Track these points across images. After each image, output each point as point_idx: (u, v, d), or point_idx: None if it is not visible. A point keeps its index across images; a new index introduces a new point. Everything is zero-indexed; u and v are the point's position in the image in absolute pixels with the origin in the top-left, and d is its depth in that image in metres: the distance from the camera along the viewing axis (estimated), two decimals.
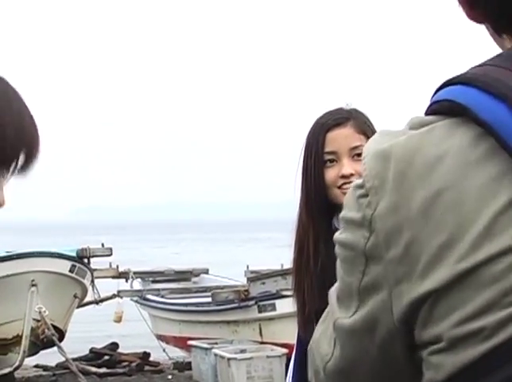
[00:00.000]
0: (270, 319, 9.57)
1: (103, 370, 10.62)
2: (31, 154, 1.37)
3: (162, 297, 11.90)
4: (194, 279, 13.24)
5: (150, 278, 13.03)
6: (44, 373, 10.58)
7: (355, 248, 0.97)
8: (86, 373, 8.88)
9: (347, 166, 2.53)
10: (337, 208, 2.61)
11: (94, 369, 10.43)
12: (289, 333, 9.11)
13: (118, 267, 11.81)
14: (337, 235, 1.01)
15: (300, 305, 2.68)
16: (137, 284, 12.31)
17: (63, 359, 10.00)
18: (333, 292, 1.05)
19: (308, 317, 2.66)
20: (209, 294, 10.94)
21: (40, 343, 9.22)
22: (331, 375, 1.04)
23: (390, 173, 0.94)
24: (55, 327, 8.89)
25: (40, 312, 8.74)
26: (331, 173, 2.55)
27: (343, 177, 2.53)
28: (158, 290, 12.14)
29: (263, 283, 9.64)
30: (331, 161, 2.56)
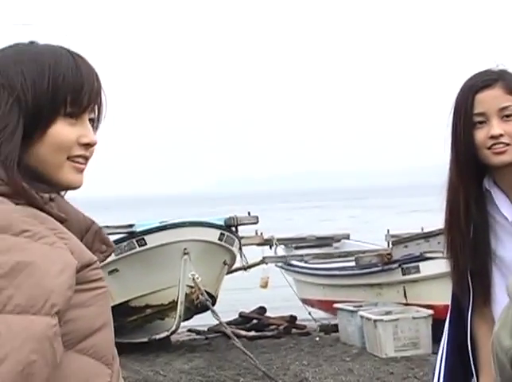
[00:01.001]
0: (414, 281, 9.51)
1: (253, 333, 10.80)
2: (79, 96, 1.47)
3: (306, 262, 11.94)
4: (335, 245, 13.22)
5: (293, 245, 13.11)
6: (197, 337, 10.85)
7: None
8: (237, 336, 9.05)
9: (496, 127, 2.53)
10: (487, 169, 2.63)
11: (244, 332, 10.62)
12: (434, 294, 9.09)
13: (262, 234, 11.92)
14: None
15: (453, 263, 2.70)
16: (280, 250, 12.41)
17: (213, 323, 10.27)
18: None
19: (462, 274, 2.69)
20: (351, 258, 10.93)
21: (194, 308, 9.47)
22: None
23: None
24: (207, 292, 9.10)
25: (193, 278, 8.95)
26: (480, 134, 2.55)
27: (493, 137, 2.53)
28: (301, 255, 12.16)
29: (406, 246, 9.58)
30: (481, 122, 2.55)
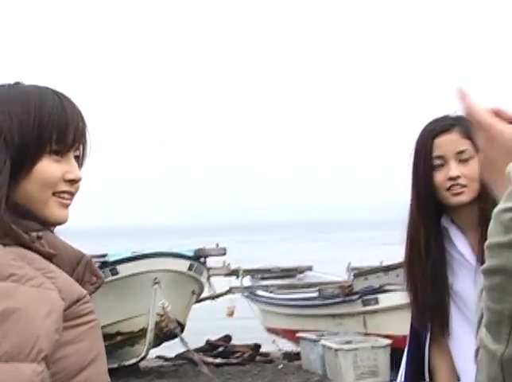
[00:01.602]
0: (374, 312, 9.53)
1: (219, 360, 10.73)
2: (64, 135, 1.46)
3: (271, 292, 11.94)
4: (299, 276, 13.26)
5: (259, 276, 13.12)
6: (165, 363, 10.78)
7: (506, 271, 0.90)
8: (203, 363, 9.03)
9: (454, 169, 2.56)
10: (445, 207, 2.66)
11: (210, 359, 10.56)
12: (392, 324, 9.11)
13: (229, 265, 11.92)
14: (483, 267, 0.94)
15: (413, 297, 2.72)
16: (246, 281, 12.41)
17: (181, 350, 10.20)
18: (482, 336, 0.95)
19: (421, 307, 2.71)
20: (313, 289, 10.97)
21: (163, 335, 9.45)
22: None
23: None
24: (176, 321, 9.09)
25: (163, 307, 8.97)
26: (439, 176, 2.59)
27: (451, 179, 2.56)
28: (267, 286, 12.19)
29: (366, 279, 9.62)
30: (440, 165, 2.59)
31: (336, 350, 8.77)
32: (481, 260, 2.58)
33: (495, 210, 0.95)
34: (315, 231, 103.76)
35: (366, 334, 9.54)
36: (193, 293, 9.89)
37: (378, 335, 9.26)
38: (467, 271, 2.64)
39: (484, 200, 2.57)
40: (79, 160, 1.53)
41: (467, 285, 2.64)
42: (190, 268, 9.60)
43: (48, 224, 1.50)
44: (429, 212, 2.64)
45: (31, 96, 1.48)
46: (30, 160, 1.44)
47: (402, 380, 2.82)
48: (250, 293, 12.08)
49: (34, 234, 1.46)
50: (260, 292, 12.03)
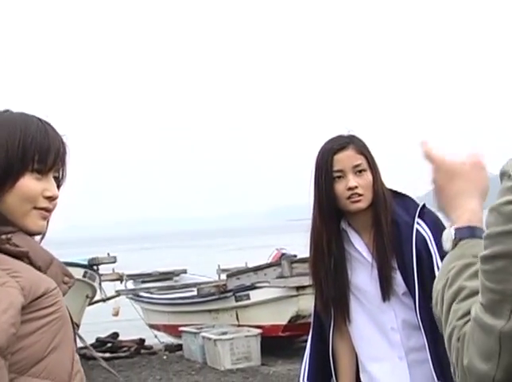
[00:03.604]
0: (246, 306, 9.53)
1: (108, 354, 10.47)
2: (46, 156, 1.46)
3: (152, 293, 11.83)
4: (175, 278, 13.18)
5: (140, 279, 12.94)
6: None
7: (510, 255, 0.89)
8: (94, 358, 8.76)
9: (352, 180, 2.58)
10: (343, 213, 2.66)
11: (101, 354, 10.26)
12: (262, 316, 9.16)
13: (114, 270, 11.70)
14: (484, 253, 0.92)
15: (318, 293, 2.71)
16: (130, 284, 12.21)
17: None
18: (478, 314, 0.93)
19: (326, 300, 2.68)
20: (189, 289, 10.92)
21: None
22: None
23: None
24: (72, 322, 8.74)
25: None
26: (339, 187, 2.59)
27: (350, 189, 2.58)
28: (148, 288, 12.08)
29: (238, 278, 9.60)
30: (339, 177, 2.59)
31: (215, 340, 8.68)
32: (375, 256, 2.61)
33: (495, 204, 0.92)
34: (184, 239, 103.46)
35: (239, 326, 9.52)
36: (87, 297, 9.66)
37: (250, 326, 9.24)
38: (364, 267, 2.65)
39: (376, 207, 2.60)
40: (58, 180, 1.53)
41: (364, 278, 2.65)
42: (84, 275, 9.41)
43: (27, 233, 1.47)
44: (331, 218, 2.64)
45: (17, 121, 1.48)
46: (14, 176, 1.44)
47: (307, 362, 2.79)
48: (134, 294, 11.88)
49: (3, 237, 1.41)
50: (143, 293, 11.85)
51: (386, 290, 2.56)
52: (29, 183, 1.45)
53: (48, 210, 1.49)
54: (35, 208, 1.46)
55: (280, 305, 8.84)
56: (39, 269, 1.41)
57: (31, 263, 1.41)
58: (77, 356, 1.44)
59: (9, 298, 1.31)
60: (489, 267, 0.91)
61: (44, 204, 1.47)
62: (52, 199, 1.49)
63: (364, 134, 2.71)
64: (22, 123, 1.48)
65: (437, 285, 1.04)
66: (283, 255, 10.17)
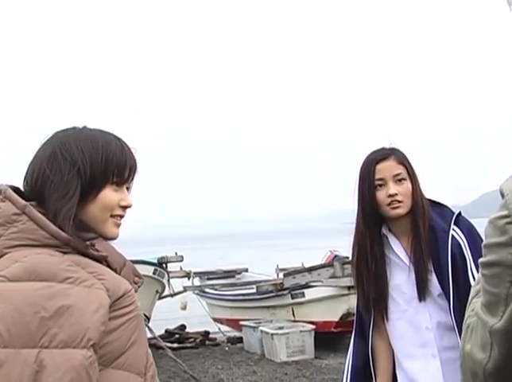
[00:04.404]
0: (301, 303, 9.53)
1: (176, 345, 10.59)
2: (123, 171, 1.52)
3: (216, 290, 11.91)
4: (237, 276, 13.22)
5: (205, 277, 13.05)
6: None
7: (503, 264, 0.92)
8: (162, 348, 8.89)
9: (392, 188, 2.58)
10: (384, 219, 2.65)
11: (169, 344, 10.40)
12: (315, 313, 9.13)
13: (181, 268, 11.83)
14: (482, 260, 0.97)
15: (360, 293, 2.70)
16: (196, 281, 12.32)
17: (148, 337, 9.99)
18: (478, 310, 0.98)
19: (367, 299, 2.68)
20: (250, 286, 10.97)
21: None
22: (492, 372, 0.96)
23: None
24: (144, 314, 8.90)
25: None
26: (381, 194, 2.59)
27: (390, 196, 2.57)
28: (213, 285, 12.15)
29: (294, 277, 9.61)
30: (380, 185, 2.59)
31: (272, 334, 8.70)
32: (413, 260, 2.60)
33: (491, 218, 0.96)
34: (247, 240, 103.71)
35: (295, 321, 9.51)
36: (157, 292, 9.77)
37: (304, 321, 9.24)
38: (402, 270, 2.64)
39: (415, 213, 2.59)
40: (129, 190, 1.58)
41: (402, 280, 2.64)
42: (154, 272, 9.52)
43: (104, 239, 1.52)
44: (373, 223, 2.63)
45: (98, 138, 1.52)
46: (97, 188, 1.49)
47: (351, 357, 2.78)
48: (200, 290, 12.00)
49: (88, 243, 1.46)
50: (208, 289, 11.96)
51: (422, 292, 2.55)
52: (109, 194, 1.50)
53: (122, 217, 1.54)
54: (111, 215, 1.51)
55: (332, 303, 8.82)
56: (115, 271, 1.46)
57: (108, 266, 1.46)
58: (149, 350, 1.48)
59: (98, 298, 1.35)
60: (486, 272, 0.96)
61: (119, 212, 1.52)
62: (126, 208, 1.54)
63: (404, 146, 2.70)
64: (103, 140, 1.52)
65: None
66: (336, 256, 10.12)
